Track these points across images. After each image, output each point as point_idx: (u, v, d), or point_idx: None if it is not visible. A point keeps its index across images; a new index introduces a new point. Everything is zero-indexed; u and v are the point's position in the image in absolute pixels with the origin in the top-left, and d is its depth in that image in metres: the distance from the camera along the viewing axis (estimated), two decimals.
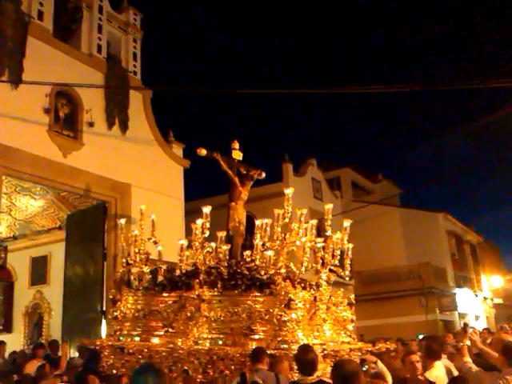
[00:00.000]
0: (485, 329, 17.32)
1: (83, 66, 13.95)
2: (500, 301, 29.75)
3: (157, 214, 10.12)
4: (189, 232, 13.23)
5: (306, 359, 4.77)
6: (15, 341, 16.27)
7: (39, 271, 16.80)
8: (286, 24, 67.95)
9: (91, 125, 13.53)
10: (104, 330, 12.78)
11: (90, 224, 14.06)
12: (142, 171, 14.67)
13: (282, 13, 65.61)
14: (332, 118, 75.14)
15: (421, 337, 13.90)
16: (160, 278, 8.94)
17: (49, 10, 13.38)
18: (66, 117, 13.22)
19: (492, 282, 29.70)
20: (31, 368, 8.84)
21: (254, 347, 6.45)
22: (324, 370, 6.22)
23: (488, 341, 9.87)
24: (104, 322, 12.95)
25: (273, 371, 5.79)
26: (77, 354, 11.24)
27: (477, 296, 27.77)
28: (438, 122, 67.13)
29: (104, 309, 13.05)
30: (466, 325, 9.19)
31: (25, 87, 11.91)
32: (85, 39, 14.47)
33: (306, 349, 5.04)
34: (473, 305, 26.87)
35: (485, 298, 28.90)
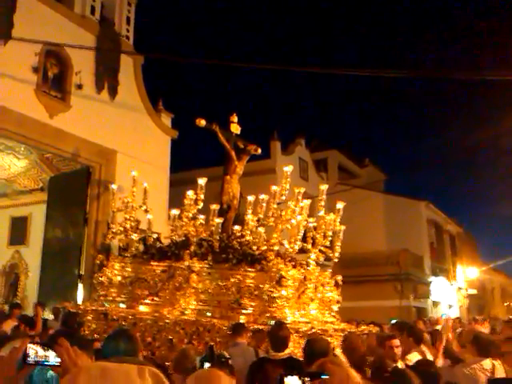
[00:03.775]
0: (457, 318, 17.59)
1: (75, 27, 13.56)
2: (474, 291, 30.12)
3: (141, 182, 10.04)
4: (172, 203, 13.11)
5: (278, 336, 4.83)
6: None
7: (19, 231, 16.61)
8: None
9: (80, 87, 13.23)
10: (80, 294, 12.71)
11: (72, 188, 13.85)
12: (129, 138, 14.43)
13: None
14: (323, 98, 74.82)
15: (393, 321, 13.94)
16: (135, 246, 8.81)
17: None
18: (54, 77, 12.90)
19: (468, 272, 30.03)
20: (7, 327, 8.74)
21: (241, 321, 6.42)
22: None
23: (458, 330, 9.94)
24: (80, 286, 12.87)
25: (258, 346, 5.76)
26: (52, 317, 11.16)
27: (452, 285, 28.11)
28: (431, 111, 67.38)
29: (81, 273, 12.95)
30: (449, 319, 9.26)
31: (14, 44, 11.57)
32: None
33: (279, 326, 5.10)
34: (447, 293, 27.22)
35: (459, 288, 29.27)
